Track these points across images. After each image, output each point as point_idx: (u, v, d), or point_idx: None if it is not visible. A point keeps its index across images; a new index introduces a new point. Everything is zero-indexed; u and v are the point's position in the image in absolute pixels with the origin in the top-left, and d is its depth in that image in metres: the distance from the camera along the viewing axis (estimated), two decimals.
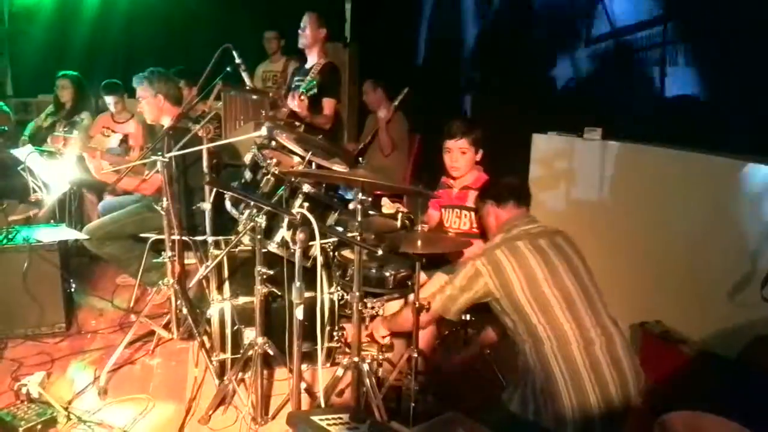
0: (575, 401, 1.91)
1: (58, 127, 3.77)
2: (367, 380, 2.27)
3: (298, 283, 1.91)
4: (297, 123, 3.73)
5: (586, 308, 2.01)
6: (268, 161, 2.49)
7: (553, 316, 1.99)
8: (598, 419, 1.91)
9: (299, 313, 1.92)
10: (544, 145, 3.79)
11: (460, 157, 2.83)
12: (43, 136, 4.47)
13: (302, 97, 3.72)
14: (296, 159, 2.57)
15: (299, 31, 3.97)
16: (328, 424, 1.54)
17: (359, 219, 2.17)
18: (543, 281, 2.02)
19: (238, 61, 3.02)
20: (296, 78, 4.05)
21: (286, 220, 2.32)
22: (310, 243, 2.01)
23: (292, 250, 2.04)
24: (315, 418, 1.58)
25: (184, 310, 2.89)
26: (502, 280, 2.05)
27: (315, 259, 2.33)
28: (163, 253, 2.92)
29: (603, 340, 1.97)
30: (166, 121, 3.29)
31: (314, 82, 3.64)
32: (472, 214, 2.87)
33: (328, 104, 3.92)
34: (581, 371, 1.93)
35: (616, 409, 1.93)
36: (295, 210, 2.10)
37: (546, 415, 1.95)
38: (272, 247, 2.41)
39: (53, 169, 3.51)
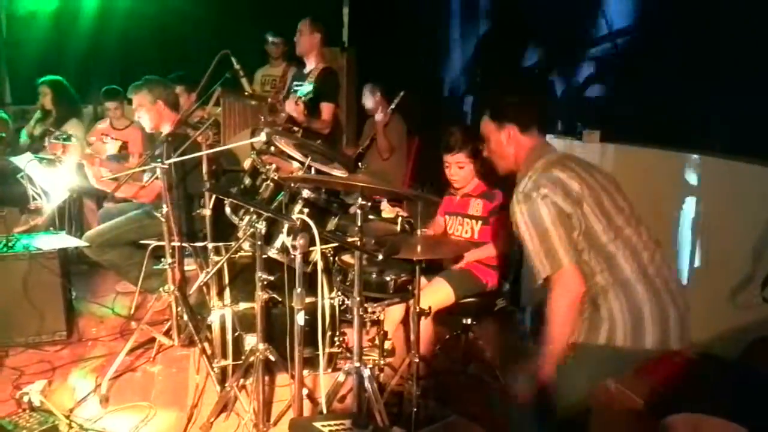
0: (654, 307, 1.84)
1: (49, 136, 3.80)
2: (369, 386, 2.26)
3: (298, 289, 1.91)
4: (295, 128, 3.73)
5: (635, 226, 1.93)
6: (267, 167, 2.49)
7: (620, 230, 1.89)
8: (673, 326, 1.85)
9: (300, 318, 1.92)
10: None
11: (459, 171, 2.83)
12: (37, 146, 4.45)
13: (299, 102, 3.72)
14: (295, 164, 2.58)
15: (295, 39, 3.98)
16: (331, 430, 1.54)
17: (359, 224, 2.17)
18: (603, 195, 1.91)
19: (236, 66, 3.03)
20: (295, 83, 4.06)
21: (286, 226, 2.32)
22: (311, 248, 2.01)
23: (293, 256, 2.04)
24: (317, 425, 1.58)
25: (185, 317, 2.89)
26: (572, 198, 1.86)
27: (315, 264, 2.34)
28: (163, 259, 2.92)
29: (659, 252, 1.93)
30: (166, 128, 3.29)
31: (311, 88, 3.64)
32: (474, 222, 2.87)
33: (326, 109, 3.92)
34: (653, 279, 1.87)
35: (684, 315, 1.89)
36: (295, 215, 2.10)
37: (623, 329, 1.83)
38: (272, 252, 2.41)
39: (52, 176, 3.51)
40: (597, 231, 1.87)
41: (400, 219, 2.91)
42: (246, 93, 3.17)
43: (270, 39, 5.26)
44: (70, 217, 4.27)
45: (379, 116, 4.63)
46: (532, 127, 2.04)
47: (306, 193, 2.40)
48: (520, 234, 1.89)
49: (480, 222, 2.85)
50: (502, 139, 2.06)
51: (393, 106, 4.61)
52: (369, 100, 4.80)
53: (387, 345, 2.60)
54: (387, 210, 3.54)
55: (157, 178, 2.85)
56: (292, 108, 3.72)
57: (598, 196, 1.90)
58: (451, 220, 2.97)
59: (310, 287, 2.14)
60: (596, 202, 1.89)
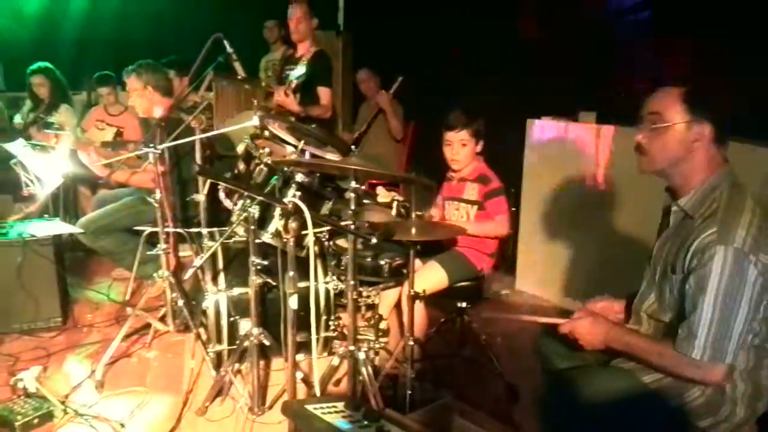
0: None
1: (38, 123, 3.77)
2: (364, 369, 2.26)
3: (291, 273, 1.90)
4: (291, 117, 3.70)
5: None
6: (261, 151, 2.47)
7: None
8: None
9: (293, 302, 1.91)
10: (538, 129, 3.78)
11: (461, 149, 2.80)
12: (28, 134, 4.42)
13: (287, 92, 3.66)
14: (289, 149, 2.55)
15: (290, 24, 3.92)
16: (323, 413, 1.54)
17: (353, 207, 2.15)
18: None
19: (229, 50, 2.99)
20: (287, 67, 4.01)
21: (278, 210, 2.30)
22: (304, 232, 2.00)
23: (286, 240, 2.03)
24: (310, 407, 1.58)
25: (180, 303, 2.89)
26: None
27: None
28: (158, 245, 2.91)
29: None
30: (158, 113, 3.26)
31: (304, 70, 3.59)
32: (469, 206, 2.85)
33: (324, 93, 3.87)
34: None
35: None
36: (287, 199, 2.08)
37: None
38: (266, 237, 2.40)
39: (46, 163, 3.49)
40: None
41: (395, 203, 2.89)
42: (239, 77, 3.13)
43: (266, 23, 5.21)
44: (65, 203, 4.25)
45: (382, 98, 4.59)
46: (725, 141, 1.61)
47: (299, 177, 2.39)
48: (697, 285, 1.54)
49: (475, 206, 2.83)
50: (687, 135, 1.60)
51: (392, 92, 4.58)
52: (367, 84, 4.77)
53: (381, 327, 2.60)
54: (383, 194, 3.52)
55: (150, 163, 2.82)
56: (283, 99, 3.67)
57: None
58: (448, 205, 2.95)
59: (305, 272, 2.13)
60: None
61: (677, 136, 1.61)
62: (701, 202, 1.62)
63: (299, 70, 3.59)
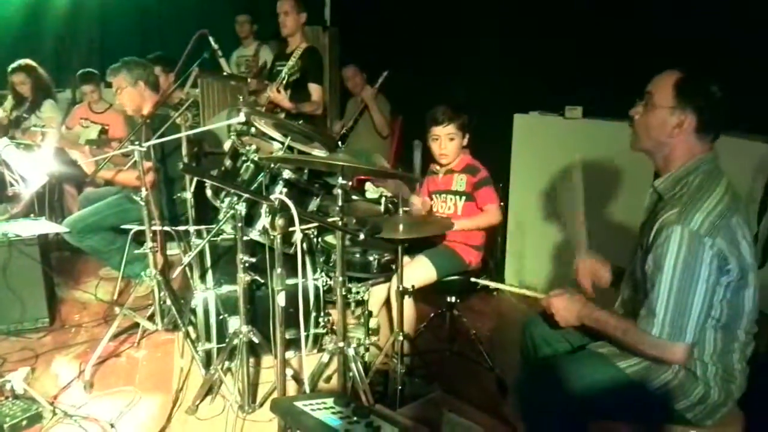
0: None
1: (22, 123, 3.72)
2: (353, 365, 2.27)
3: (279, 270, 1.90)
4: (282, 114, 3.68)
5: None
6: (248, 148, 2.45)
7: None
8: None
9: (281, 299, 1.91)
10: (525, 124, 3.79)
11: (449, 143, 2.81)
12: (12, 133, 4.37)
13: (279, 89, 3.65)
14: (276, 145, 2.54)
15: (279, 19, 3.90)
16: (312, 409, 1.53)
17: (340, 203, 2.15)
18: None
19: (215, 47, 2.98)
20: (277, 63, 3.99)
21: (264, 207, 2.30)
22: (291, 229, 1.99)
23: (273, 237, 2.02)
24: (298, 404, 1.58)
25: (168, 301, 2.87)
26: (738, 255, 1.58)
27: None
28: (145, 244, 2.89)
29: None
30: (147, 110, 3.24)
31: (294, 62, 3.58)
32: (457, 197, 2.86)
33: (315, 90, 3.86)
34: None
35: None
36: (273, 196, 2.07)
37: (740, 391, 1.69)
38: (254, 234, 2.39)
39: (30, 161, 3.45)
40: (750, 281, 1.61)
41: (383, 199, 2.88)
42: (224, 73, 3.11)
43: (237, 18, 5.17)
44: (51, 202, 4.21)
45: (367, 93, 4.58)
46: (710, 133, 1.64)
47: (287, 173, 2.38)
48: (654, 263, 1.59)
49: (464, 197, 2.85)
50: (669, 120, 1.63)
51: (377, 86, 4.58)
52: (353, 80, 4.77)
53: (372, 324, 2.60)
54: (371, 190, 3.52)
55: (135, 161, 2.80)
56: (275, 96, 3.66)
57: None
58: (435, 198, 2.96)
59: (294, 268, 2.12)
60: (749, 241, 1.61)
61: (659, 120, 1.65)
62: (673, 185, 1.67)
63: (290, 63, 3.56)
